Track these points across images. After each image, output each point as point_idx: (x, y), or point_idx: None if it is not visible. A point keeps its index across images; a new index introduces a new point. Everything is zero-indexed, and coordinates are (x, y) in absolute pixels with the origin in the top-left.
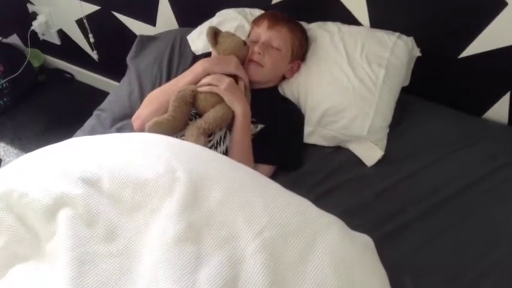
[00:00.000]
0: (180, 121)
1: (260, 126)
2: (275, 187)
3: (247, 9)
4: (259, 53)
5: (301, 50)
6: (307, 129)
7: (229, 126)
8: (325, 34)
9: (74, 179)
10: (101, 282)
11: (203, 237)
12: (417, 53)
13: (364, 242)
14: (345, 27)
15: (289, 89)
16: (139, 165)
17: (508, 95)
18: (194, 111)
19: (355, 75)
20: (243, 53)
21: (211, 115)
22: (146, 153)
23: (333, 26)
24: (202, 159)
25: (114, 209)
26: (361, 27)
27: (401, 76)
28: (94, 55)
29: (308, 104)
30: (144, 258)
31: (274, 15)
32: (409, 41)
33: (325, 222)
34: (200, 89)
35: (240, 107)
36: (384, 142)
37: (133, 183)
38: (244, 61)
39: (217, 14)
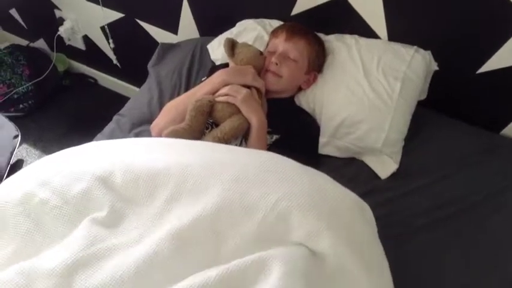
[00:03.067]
0: (197, 130)
1: (275, 137)
2: (290, 164)
3: (266, 20)
4: (276, 64)
5: (317, 62)
6: (321, 140)
7: (245, 135)
8: (342, 46)
9: (90, 179)
10: (114, 276)
11: (220, 220)
12: (434, 67)
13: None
14: (363, 40)
15: (305, 100)
16: (152, 159)
17: None
18: (211, 121)
19: (371, 88)
20: (260, 63)
21: (228, 125)
22: (160, 150)
23: (350, 39)
24: (215, 151)
25: (128, 202)
26: (378, 40)
27: (417, 90)
28: (114, 60)
29: (323, 115)
30: (159, 250)
31: (292, 27)
32: (427, 54)
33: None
34: (218, 99)
35: (256, 118)
36: (399, 155)
37: (145, 175)
38: (261, 71)
39: (238, 24)
